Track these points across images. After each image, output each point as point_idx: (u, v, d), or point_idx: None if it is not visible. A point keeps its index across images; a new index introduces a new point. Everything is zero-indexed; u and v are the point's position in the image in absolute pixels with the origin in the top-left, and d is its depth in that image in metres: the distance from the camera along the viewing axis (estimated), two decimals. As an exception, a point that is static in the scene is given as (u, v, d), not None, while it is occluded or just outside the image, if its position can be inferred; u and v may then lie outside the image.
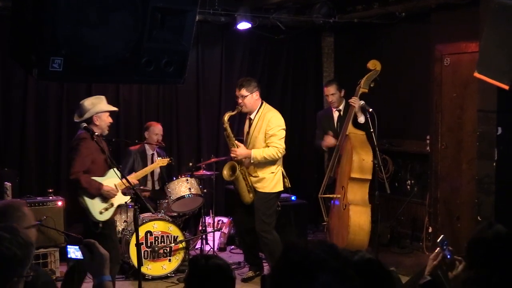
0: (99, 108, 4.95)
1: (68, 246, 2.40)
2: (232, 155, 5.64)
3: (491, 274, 2.55)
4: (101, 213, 4.93)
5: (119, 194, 5.04)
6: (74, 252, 2.35)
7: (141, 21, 2.36)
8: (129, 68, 2.43)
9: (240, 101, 5.63)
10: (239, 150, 5.59)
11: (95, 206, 4.92)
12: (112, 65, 2.39)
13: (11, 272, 2.00)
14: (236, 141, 5.66)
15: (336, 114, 6.43)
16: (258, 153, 5.54)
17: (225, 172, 5.71)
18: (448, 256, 2.78)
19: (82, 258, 2.26)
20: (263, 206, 5.64)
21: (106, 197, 4.95)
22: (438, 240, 2.86)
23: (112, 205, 5.00)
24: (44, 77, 2.29)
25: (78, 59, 2.28)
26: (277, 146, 5.54)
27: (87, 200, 4.90)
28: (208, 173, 6.52)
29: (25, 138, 6.73)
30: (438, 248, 2.82)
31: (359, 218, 5.72)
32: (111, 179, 4.97)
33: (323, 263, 1.56)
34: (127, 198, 5.08)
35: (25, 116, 6.71)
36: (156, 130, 6.56)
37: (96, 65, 2.35)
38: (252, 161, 5.56)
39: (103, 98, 5.07)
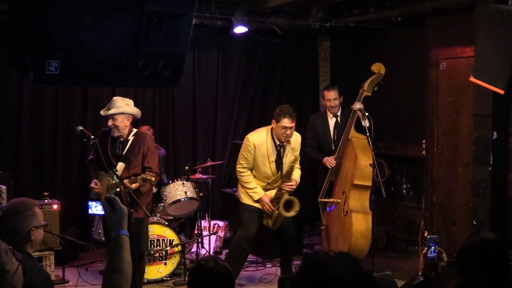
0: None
1: (90, 202, 2.51)
2: (292, 187, 5.46)
3: (480, 279, 2.58)
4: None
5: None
6: (95, 207, 2.46)
7: (137, 24, 2.36)
8: (125, 72, 2.43)
9: (289, 132, 5.37)
10: (294, 184, 5.48)
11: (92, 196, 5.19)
12: (108, 68, 2.38)
13: None
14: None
15: (332, 121, 6.33)
16: (298, 180, 5.54)
17: (283, 212, 5.42)
18: (429, 256, 2.81)
19: (103, 213, 2.35)
20: None
21: (95, 193, 5.11)
22: (427, 237, 2.88)
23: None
24: (40, 81, 2.28)
25: (74, 62, 2.28)
26: (299, 167, 5.63)
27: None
28: (204, 176, 6.51)
29: (20, 141, 6.72)
30: (426, 247, 2.86)
31: (361, 225, 5.70)
32: (108, 178, 5.09)
33: (344, 279, 1.53)
34: None
35: (20, 119, 6.70)
36: None
37: (92, 69, 2.35)
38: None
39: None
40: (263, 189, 5.52)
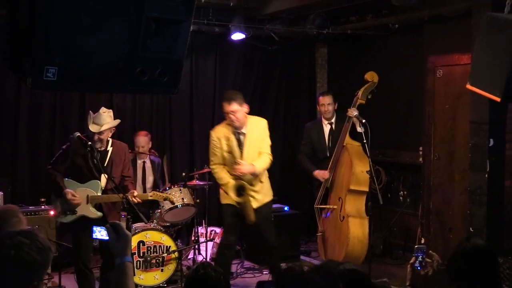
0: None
1: (94, 227, 2.52)
2: (238, 173, 5.32)
3: (472, 286, 2.58)
4: (58, 214, 5.07)
5: (87, 206, 5.02)
6: (99, 232, 2.46)
7: (135, 30, 2.36)
8: (123, 78, 2.43)
9: (232, 116, 5.32)
10: (245, 167, 5.31)
11: (57, 206, 5.07)
12: (106, 74, 2.39)
13: (31, 276, 2.08)
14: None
15: (327, 128, 6.37)
16: (260, 165, 5.38)
17: (232, 194, 5.35)
18: (418, 268, 2.81)
19: (107, 238, 2.37)
20: (270, 216, 5.66)
21: (69, 203, 4.99)
22: (415, 247, 2.89)
23: (74, 212, 5.02)
24: (38, 86, 2.28)
25: (72, 68, 2.28)
26: (269, 153, 5.50)
27: (53, 197, 5.14)
28: (201, 183, 6.51)
29: (17, 147, 6.70)
30: (413, 257, 2.86)
31: (357, 230, 5.72)
32: (86, 189, 5.03)
33: None
34: (96, 214, 5.03)
35: (17, 124, 6.69)
36: (138, 142, 6.46)
37: (90, 75, 2.35)
38: (256, 175, 5.38)
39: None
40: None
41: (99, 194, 5.04)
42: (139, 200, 5.16)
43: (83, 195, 5.00)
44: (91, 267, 5.14)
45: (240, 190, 5.37)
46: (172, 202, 5.77)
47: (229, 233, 5.57)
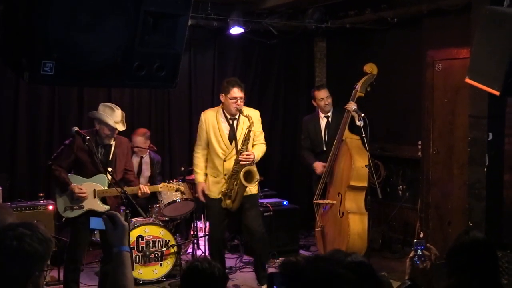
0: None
1: (91, 217, 2.55)
2: (249, 158, 5.32)
3: (471, 279, 2.58)
4: (65, 209, 5.03)
5: (95, 200, 5.02)
6: (96, 222, 2.49)
7: (133, 25, 2.35)
8: (120, 72, 2.42)
9: (240, 103, 5.35)
10: (250, 156, 5.34)
11: (62, 201, 5.04)
12: (103, 69, 2.38)
13: (33, 267, 2.11)
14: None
15: (324, 121, 6.36)
16: (257, 153, 5.43)
17: (245, 182, 5.32)
18: (417, 262, 2.80)
19: (103, 228, 2.40)
20: (257, 205, 5.71)
21: (76, 198, 4.97)
22: (414, 241, 2.88)
23: (81, 207, 5.01)
24: (36, 81, 2.28)
25: (69, 62, 2.27)
26: (264, 143, 5.57)
27: (57, 193, 5.10)
28: (200, 177, 6.50)
29: (16, 142, 6.70)
30: (412, 251, 2.85)
31: (357, 226, 5.71)
32: (92, 183, 5.03)
33: (344, 278, 1.53)
34: (104, 208, 5.03)
35: (16, 120, 6.68)
36: (135, 141, 6.47)
37: (88, 69, 2.35)
38: (253, 163, 5.41)
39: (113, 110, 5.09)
40: (220, 180, 5.48)
41: (106, 188, 5.05)
42: (148, 192, 5.19)
43: (90, 189, 5.02)
44: (89, 262, 5.17)
45: (249, 176, 5.35)
46: (183, 193, 5.77)
47: (212, 229, 5.67)
